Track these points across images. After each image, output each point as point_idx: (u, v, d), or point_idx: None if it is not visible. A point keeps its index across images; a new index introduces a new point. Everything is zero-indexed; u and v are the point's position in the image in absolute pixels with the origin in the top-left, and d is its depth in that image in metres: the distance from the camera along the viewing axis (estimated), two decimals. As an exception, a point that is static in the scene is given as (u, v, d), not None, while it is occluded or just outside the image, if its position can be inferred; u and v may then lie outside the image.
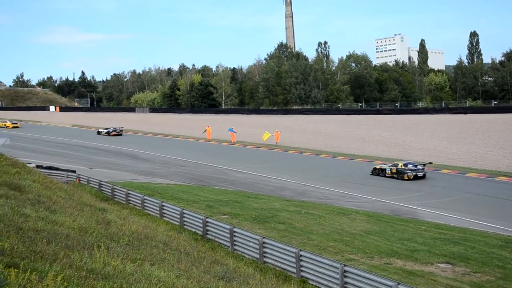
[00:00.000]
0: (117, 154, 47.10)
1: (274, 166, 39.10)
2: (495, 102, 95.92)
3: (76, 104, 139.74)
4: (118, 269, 8.85)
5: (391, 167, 32.89)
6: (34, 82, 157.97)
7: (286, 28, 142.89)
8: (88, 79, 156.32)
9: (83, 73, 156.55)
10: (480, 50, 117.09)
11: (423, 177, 31.94)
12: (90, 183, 27.76)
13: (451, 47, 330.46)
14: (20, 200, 13.12)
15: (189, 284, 9.36)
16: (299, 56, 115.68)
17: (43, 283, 6.67)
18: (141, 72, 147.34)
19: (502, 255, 15.97)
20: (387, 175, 32.65)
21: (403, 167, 32.22)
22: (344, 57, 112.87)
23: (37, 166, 29.08)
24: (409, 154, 42.52)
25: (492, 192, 28.12)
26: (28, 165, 24.13)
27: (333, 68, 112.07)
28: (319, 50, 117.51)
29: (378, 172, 33.38)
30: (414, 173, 31.73)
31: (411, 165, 32.45)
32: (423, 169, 32.39)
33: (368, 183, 31.53)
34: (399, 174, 32.00)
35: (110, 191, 25.36)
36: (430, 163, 34.30)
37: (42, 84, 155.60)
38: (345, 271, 12.30)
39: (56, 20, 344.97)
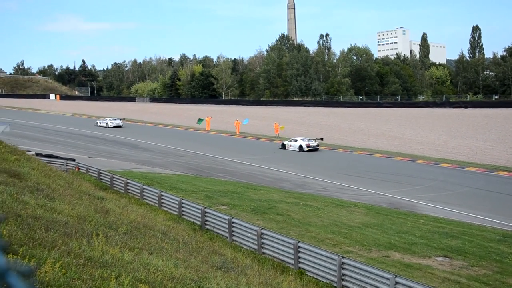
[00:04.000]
0: (117, 144, 47.06)
1: (274, 157, 39.08)
2: (496, 97, 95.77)
3: (76, 92, 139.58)
4: (116, 258, 8.86)
5: None
6: (34, 70, 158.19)
7: (288, 20, 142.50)
8: (89, 68, 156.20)
9: (83, 61, 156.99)
10: (482, 45, 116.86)
11: None
12: (89, 171, 27.73)
13: (453, 41, 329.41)
14: (19, 187, 13.09)
15: (187, 273, 9.36)
16: (300, 48, 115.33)
17: (41, 270, 6.66)
18: (141, 62, 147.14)
19: (499, 249, 16.00)
20: None
21: None
22: (346, 50, 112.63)
23: (37, 154, 29.05)
24: (409, 148, 42.51)
25: (491, 186, 28.11)
26: (27, 152, 24.12)
27: (334, 60, 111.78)
28: (321, 42, 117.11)
29: None
30: None
31: None
32: None
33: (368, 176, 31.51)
34: None
35: (109, 180, 25.35)
36: None
37: (42, 72, 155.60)
38: (343, 263, 12.33)
39: (62, 8, 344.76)
